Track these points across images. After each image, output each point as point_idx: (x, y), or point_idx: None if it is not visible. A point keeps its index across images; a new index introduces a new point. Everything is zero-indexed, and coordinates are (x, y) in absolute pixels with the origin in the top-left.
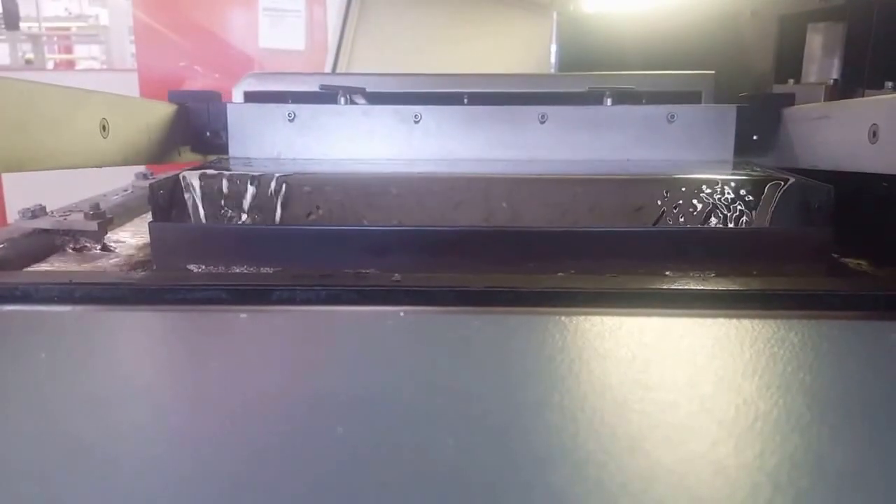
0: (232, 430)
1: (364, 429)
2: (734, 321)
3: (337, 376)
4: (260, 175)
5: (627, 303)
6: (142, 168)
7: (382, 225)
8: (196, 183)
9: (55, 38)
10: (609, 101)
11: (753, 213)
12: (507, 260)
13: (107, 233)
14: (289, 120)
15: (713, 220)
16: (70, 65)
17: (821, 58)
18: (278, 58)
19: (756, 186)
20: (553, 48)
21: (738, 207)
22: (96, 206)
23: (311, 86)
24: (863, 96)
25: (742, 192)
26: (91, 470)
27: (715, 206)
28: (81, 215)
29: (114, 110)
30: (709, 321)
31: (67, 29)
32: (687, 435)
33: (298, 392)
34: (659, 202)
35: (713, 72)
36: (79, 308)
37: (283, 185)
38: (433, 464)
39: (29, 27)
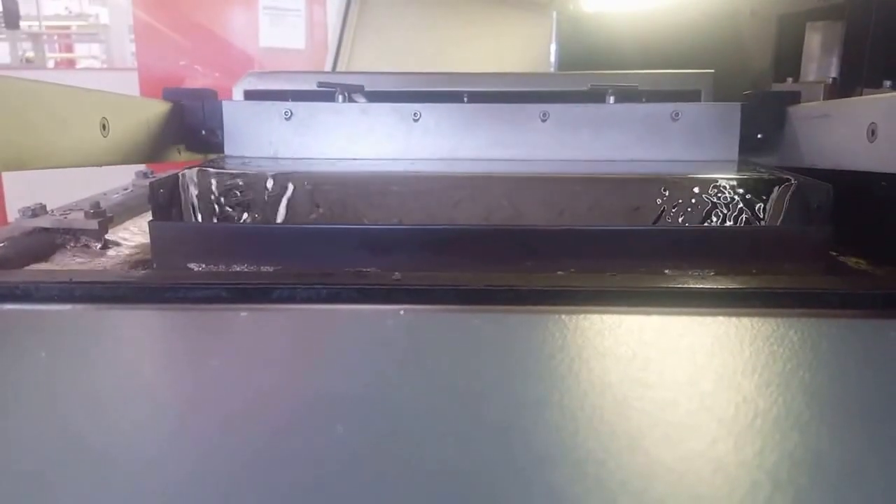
0: (232, 428)
1: (364, 427)
2: (733, 319)
3: (337, 375)
4: (260, 174)
5: (627, 301)
6: (142, 167)
7: (383, 224)
8: (196, 181)
9: (55, 37)
10: (612, 99)
11: (752, 211)
12: (507, 258)
13: (107, 231)
14: (286, 118)
15: (713, 219)
16: (70, 64)
17: (819, 56)
18: (278, 57)
19: (755, 185)
20: (553, 48)
21: (738, 206)
22: (97, 205)
23: (312, 84)
24: (861, 95)
25: (741, 190)
26: (92, 468)
27: (714, 205)
28: (82, 214)
29: (114, 109)
30: (708, 319)
31: (68, 28)
32: (686, 433)
33: (298, 390)
34: (658, 201)
35: (712, 71)
36: (79, 307)
37: (285, 184)
38: (433, 462)
39: (29, 26)
